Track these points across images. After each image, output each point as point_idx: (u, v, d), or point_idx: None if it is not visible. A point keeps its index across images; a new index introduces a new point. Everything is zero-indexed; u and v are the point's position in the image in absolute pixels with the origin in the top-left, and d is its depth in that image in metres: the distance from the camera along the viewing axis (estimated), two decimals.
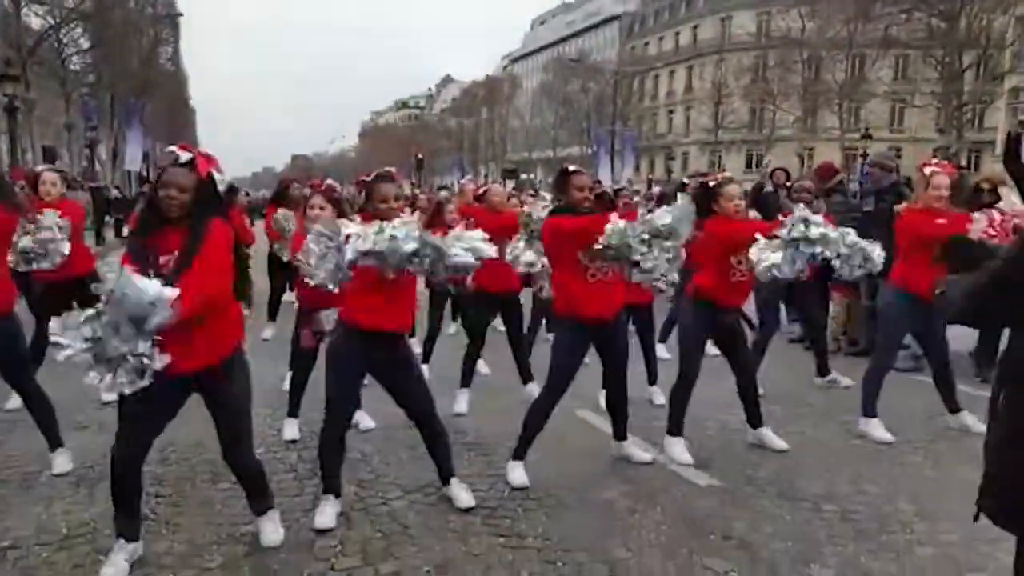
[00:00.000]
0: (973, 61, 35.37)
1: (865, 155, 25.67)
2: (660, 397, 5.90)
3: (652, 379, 6.04)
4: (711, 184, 4.79)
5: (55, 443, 4.40)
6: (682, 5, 60.21)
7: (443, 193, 8.41)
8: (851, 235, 4.44)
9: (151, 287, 2.79)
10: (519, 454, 4.36)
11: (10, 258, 4.60)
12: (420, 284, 4.06)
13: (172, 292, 2.82)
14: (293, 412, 5.08)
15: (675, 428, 4.82)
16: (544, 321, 7.20)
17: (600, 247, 4.03)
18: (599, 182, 9.62)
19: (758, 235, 4.45)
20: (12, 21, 28.19)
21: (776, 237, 4.39)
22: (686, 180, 8.71)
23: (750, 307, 6.01)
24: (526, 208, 5.63)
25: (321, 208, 4.86)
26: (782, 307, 7.23)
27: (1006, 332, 2.14)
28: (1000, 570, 3.41)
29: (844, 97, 40.88)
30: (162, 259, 3.07)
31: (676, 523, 3.85)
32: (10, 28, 27.98)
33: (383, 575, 3.31)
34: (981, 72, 36.35)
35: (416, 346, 6.03)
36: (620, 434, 4.72)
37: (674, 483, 4.41)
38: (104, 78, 35.95)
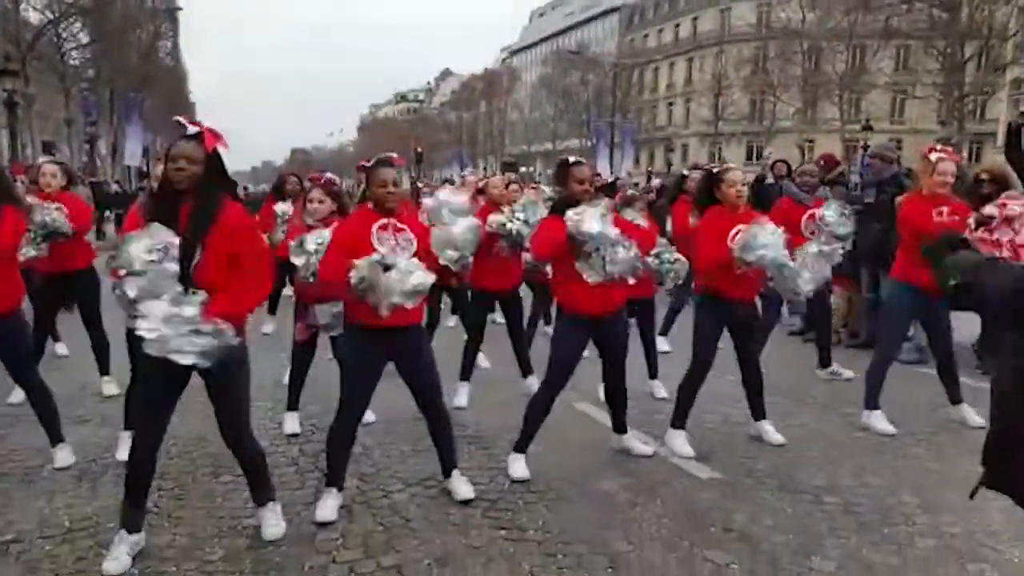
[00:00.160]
0: (975, 52, 35.22)
1: (866, 147, 25.60)
2: (661, 390, 5.90)
3: (653, 372, 6.04)
4: (714, 171, 4.78)
5: (56, 438, 4.40)
6: None
7: (447, 186, 8.40)
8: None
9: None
10: (520, 447, 4.36)
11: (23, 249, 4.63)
12: None
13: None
14: (293, 406, 5.08)
15: (679, 421, 4.81)
16: (543, 315, 7.20)
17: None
18: (599, 175, 9.63)
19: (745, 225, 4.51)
20: (11, 16, 28.13)
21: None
22: (686, 172, 8.69)
23: None
24: (498, 217, 5.55)
25: (320, 201, 4.85)
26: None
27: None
28: (1002, 562, 3.41)
29: (845, 88, 40.75)
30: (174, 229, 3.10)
31: (677, 516, 3.85)
32: (9, 23, 27.93)
33: (384, 568, 3.32)
34: (983, 63, 36.20)
35: None
36: (620, 427, 4.72)
37: (675, 476, 4.41)
38: (103, 73, 35.87)
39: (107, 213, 20.67)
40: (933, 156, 5.08)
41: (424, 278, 3.50)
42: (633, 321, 5.92)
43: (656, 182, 15.97)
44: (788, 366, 6.70)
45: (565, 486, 4.19)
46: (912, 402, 5.65)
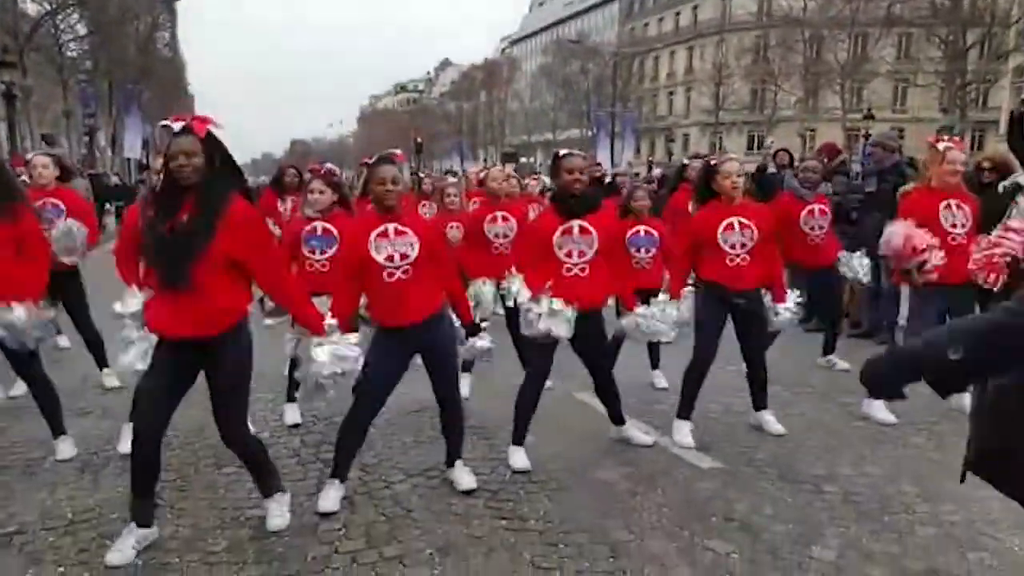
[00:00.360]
0: (977, 39, 35.10)
1: (867, 135, 25.54)
2: (662, 381, 5.91)
3: (655, 363, 6.05)
4: (711, 162, 4.78)
5: (58, 430, 4.42)
6: None
7: (450, 179, 8.38)
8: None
9: None
10: (518, 439, 4.37)
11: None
12: None
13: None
14: (292, 397, 5.09)
15: (684, 412, 4.82)
16: None
17: None
18: (599, 164, 9.62)
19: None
20: (8, 7, 28.04)
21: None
22: (686, 162, 8.67)
23: None
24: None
25: (320, 192, 4.85)
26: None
27: None
28: (1001, 551, 3.43)
29: (846, 77, 40.61)
30: (179, 216, 3.11)
31: (678, 505, 3.87)
32: (7, 14, 27.83)
33: (387, 558, 3.33)
34: (985, 51, 36.07)
35: None
36: (616, 419, 4.73)
37: (676, 465, 4.42)
38: (101, 64, 35.79)
39: (107, 206, 20.66)
40: (941, 145, 5.03)
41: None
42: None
43: (657, 172, 15.95)
44: (788, 356, 6.68)
45: (566, 476, 4.21)
46: (912, 391, 5.64)
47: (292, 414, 5.05)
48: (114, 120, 37.68)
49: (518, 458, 4.30)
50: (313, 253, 4.81)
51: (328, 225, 4.81)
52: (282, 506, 3.60)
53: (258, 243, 3.25)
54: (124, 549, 3.25)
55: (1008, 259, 3.86)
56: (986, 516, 3.69)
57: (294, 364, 5.07)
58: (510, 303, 4.75)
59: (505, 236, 5.67)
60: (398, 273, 3.68)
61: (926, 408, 5.40)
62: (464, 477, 4.01)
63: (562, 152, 4.38)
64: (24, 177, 5.59)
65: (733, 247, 4.61)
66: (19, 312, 3.95)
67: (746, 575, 3.22)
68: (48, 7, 30.95)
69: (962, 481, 2.22)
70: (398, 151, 3.96)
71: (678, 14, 59.80)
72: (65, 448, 4.39)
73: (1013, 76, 34.86)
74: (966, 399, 5.33)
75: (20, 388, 5.05)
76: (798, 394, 5.78)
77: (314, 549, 3.39)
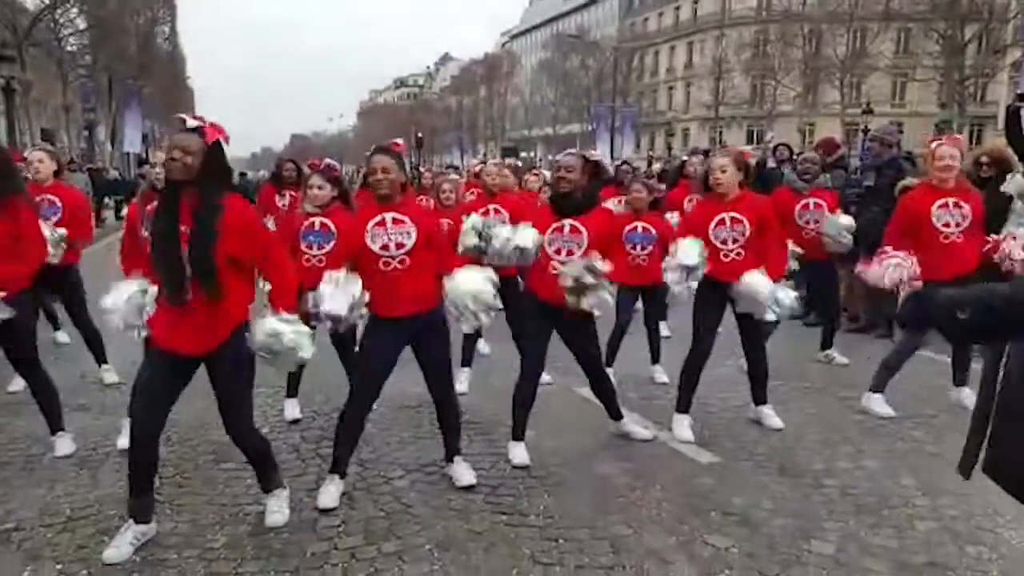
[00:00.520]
0: (975, 34, 35.11)
1: (867, 130, 25.54)
2: (662, 375, 5.91)
3: (655, 357, 6.05)
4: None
5: (57, 426, 4.41)
6: None
7: (450, 174, 8.38)
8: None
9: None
10: (517, 434, 4.37)
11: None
12: None
13: None
14: (292, 392, 5.09)
15: (681, 406, 4.83)
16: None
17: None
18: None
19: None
20: (7, 1, 27.98)
21: None
22: (685, 158, 8.67)
23: None
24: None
25: (320, 188, 4.84)
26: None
27: None
28: (999, 543, 3.43)
29: (845, 72, 40.61)
30: (181, 228, 3.11)
31: (677, 500, 3.86)
32: (5, 8, 27.78)
33: (386, 554, 3.33)
34: (983, 45, 36.07)
35: None
36: (613, 415, 4.73)
37: (675, 460, 4.42)
38: (101, 59, 35.72)
39: (106, 200, 20.65)
40: (933, 144, 5.09)
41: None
42: (638, 305, 5.95)
43: (657, 167, 15.93)
44: (787, 350, 6.68)
45: (566, 471, 4.21)
46: (911, 385, 5.65)
47: (292, 409, 5.05)
48: (114, 115, 37.63)
49: (517, 453, 4.30)
50: (311, 248, 4.81)
51: (326, 220, 4.81)
52: (281, 502, 3.60)
53: (252, 234, 3.26)
54: (122, 545, 3.25)
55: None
56: (985, 510, 3.69)
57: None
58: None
59: None
60: (394, 263, 3.69)
61: (925, 402, 5.42)
62: (463, 473, 4.01)
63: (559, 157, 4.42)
64: (26, 173, 5.57)
65: (725, 243, 4.60)
66: None
67: (745, 569, 3.22)
68: (47, 1, 30.88)
69: (967, 478, 2.23)
70: (399, 140, 3.95)
71: (678, 9, 59.72)
72: (64, 444, 4.38)
73: (1011, 71, 34.84)
74: (964, 393, 5.42)
75: (18, 384, 5.04)
76: (797, 388, 5.78)
77: (313, 545, 3.39)
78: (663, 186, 8.24)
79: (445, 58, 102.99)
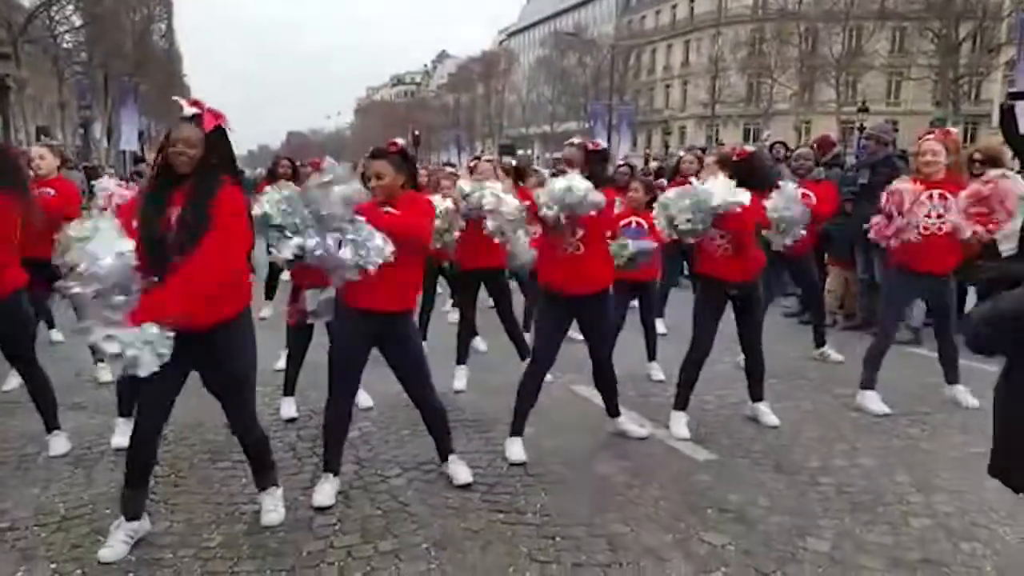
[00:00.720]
0: (970, 33, 35.20)
1: (862, 128, 25.59)
2: (658, 373, 5.92)
3: (652, 355, 6.05)
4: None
5: (52, 425, 4.39)
6: None
7: (449, 170, 8.38)
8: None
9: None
10: (516, 430, 4.37)
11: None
12: None
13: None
14: (289, 391, 5.08)
15: (680, 403, 4.83)
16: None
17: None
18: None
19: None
20: None
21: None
22: (682, 154, 8.68)
23: None
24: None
25: None
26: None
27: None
28: (994, 539, 3.44)
29: (841, 70, 40.67)
30: (169, 211, 3.07)
31: (674, 497, 3.87)
32: (1, 5, 27.67)
33: (382, 552, 3.32)
34: (978, 44, 36.17)
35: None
36: (612, 411, 4.73)
37: (672, 458, 4.43)
38: (96, 56, 35.62)
39: None
40: (919, 140, 5.17)
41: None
42: (635, 303, 5.96)
43: (653, 165, 15.93)
44: (783, 347, 6.70)
45: (563, 469, 4.20)
46: (906, 382, 5.67)
47: (288, 408, 5.05)
48: (109, 112, 37.48)
49: (515, 450, 4.30)
50: None
51: None
52: (276, 501, 3.59)
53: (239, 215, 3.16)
54: (116, 544, 3.23)
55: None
56: (979, 506, 3.70)
57: (290, 357, 5.12)
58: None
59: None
60: None
61: (919, 399, 5.43)
62: (460, 471, 4.01)
63: None
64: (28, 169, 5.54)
65: (713, 238, 4.61)
66: None
67: (741, 566, 3.23)
68: None
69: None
70: (398, 140, 3.93)
71: (675, 7, 59.74)
72: (59, 444, 4.36)
73: (1005, 69, 34.95)
74: (959, 390, 5.43)
75: (13, 383, 5.03)
76: (793, 386, 5.79)
77: (309, 544, 3.38)
78: (663, 181, 8.26)
79: (442, 56, 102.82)
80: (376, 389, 5.08)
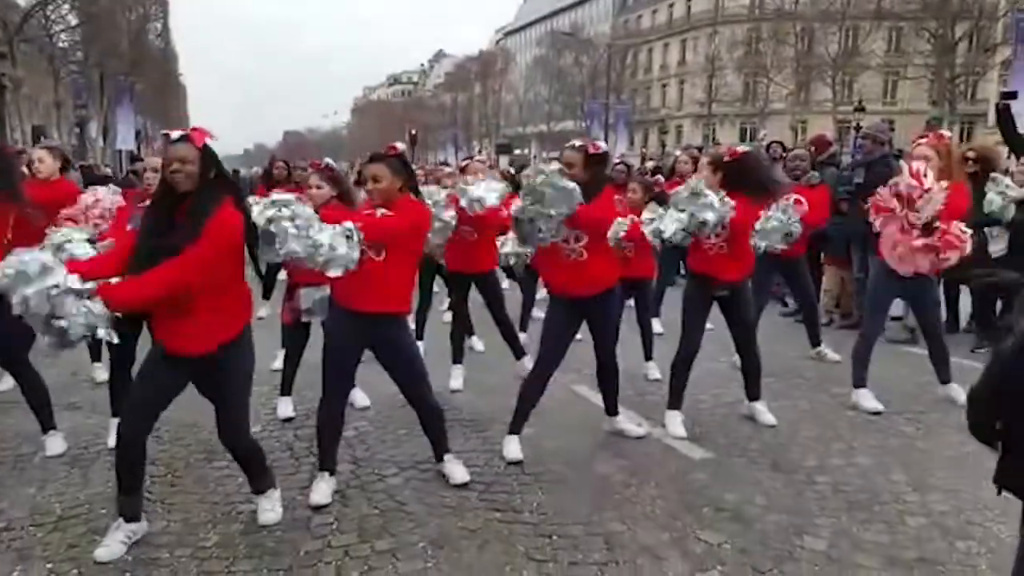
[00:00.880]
0: (966, 33, 35.28)
1: (859, 127, 25.63)
2: (655, 372, 5.92)
3: (648, 354, 6.06)
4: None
5: (48, 425, 4.39)
6: None
7: (446, 169, 8.38)
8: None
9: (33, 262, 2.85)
10: (515, 428, 4.37)
11: None
12: None
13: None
14: (286, 390, 5.07)
15: (672, 402, 4.84)
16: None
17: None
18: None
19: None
20: None
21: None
22: (678, 154, 8.68)
23: None
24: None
25: (318, 187, 4.82)
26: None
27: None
28: (988, 538, 3.45)
29: (837, 70, 40.75)
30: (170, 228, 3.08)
31: (671, 496, 3.87)
32: None
33: (379, 552, 3.32)
34: (974, 44, 36.26)
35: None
36: (611, 409, 4.73)
37: (668, 457, 4.43)
38: (92, 55, 35.55)
39: None
40: (913, 144, 5.17)
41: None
42: (631, 303, 5.95)
43: (650, 164, 15.93)
44: (780, 347, 6.71)
45: (560, 468, 4.21)
46: (902, 382, 5.68)
47: (285, 408, 5.04)
48: (105, 111, 37.45)
49: (512, 448, 4.30)
50: None
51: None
52: (273, 501, 3.59)
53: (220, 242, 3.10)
54: (113, 544, 3.23)
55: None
56: (974, 505, 3.71)
57: (287, 357, 5.11)
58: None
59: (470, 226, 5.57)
60: (371, 251, 3.58)
61: (915, 398, 5.45)
62: (457, 470, 4.01)
63: None
64: (23, 168, 5.53)
65: (707, 237, 4.62)
66: None
67: (737, 565, 3.23)
68: None
69: (999, 493, 2.20)
70: (398, 144, 3.93)
71: (671, 6, 59.74)
72: (55, 443, 4.36)
73: (1000, 69, 35.01)
74: (953, 389, 5.43)
75: (7, 383, 5.02)
76: (790, 385, 5.79)
77: (306, 544, 3.38)
78: (661, 178, 8.26)
79: (439, 55, 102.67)
80: (373, 388, 5.08)
